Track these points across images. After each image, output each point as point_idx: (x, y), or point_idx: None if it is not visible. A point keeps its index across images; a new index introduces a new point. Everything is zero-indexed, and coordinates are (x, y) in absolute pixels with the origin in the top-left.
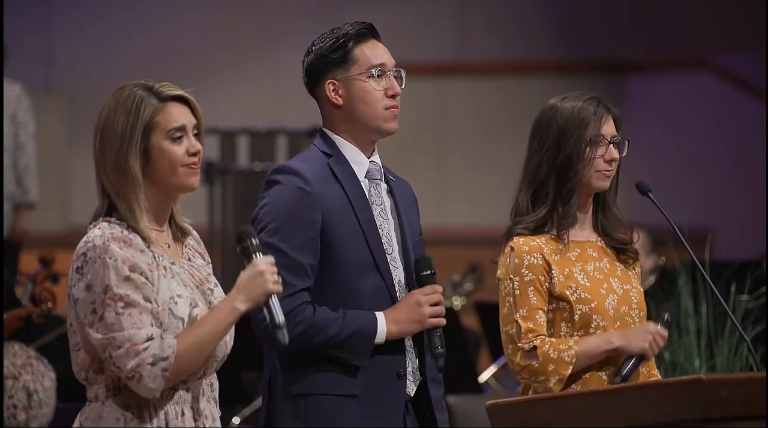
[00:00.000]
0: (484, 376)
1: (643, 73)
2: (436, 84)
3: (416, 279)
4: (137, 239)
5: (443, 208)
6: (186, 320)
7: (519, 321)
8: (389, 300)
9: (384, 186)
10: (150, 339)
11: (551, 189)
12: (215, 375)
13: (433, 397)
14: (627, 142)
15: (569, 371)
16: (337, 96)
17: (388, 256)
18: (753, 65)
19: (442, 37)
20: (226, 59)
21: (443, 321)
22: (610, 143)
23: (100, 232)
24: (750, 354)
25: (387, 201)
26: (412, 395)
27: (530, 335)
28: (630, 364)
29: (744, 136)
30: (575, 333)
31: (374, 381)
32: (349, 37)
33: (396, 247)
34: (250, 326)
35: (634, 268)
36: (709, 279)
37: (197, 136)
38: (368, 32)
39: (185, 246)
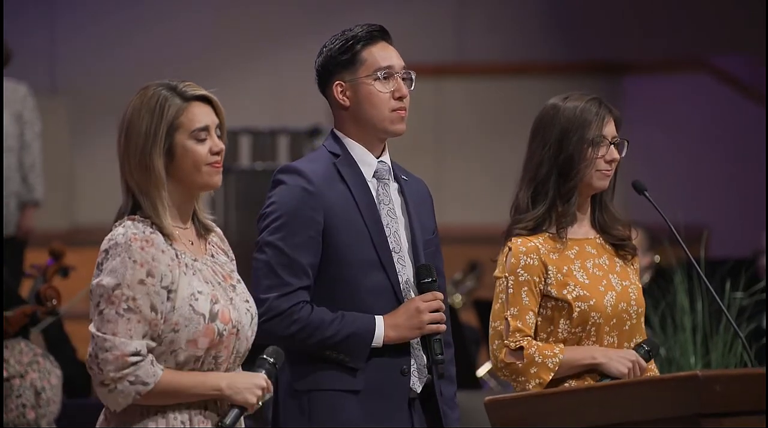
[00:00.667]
0: (481, 371)
1: (641, 74)
2: (436, 84)
3: (417, 286)
4: (159, 238)
5: (443, 208)
6: (207, 316)
7: (509, 318)
8: (393, 298)
9: (394, 185)
10: (137, 354)
11: (552, 187)
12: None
13: (444, 394)
14: (627, 143)
15: (550, 377)
16: (344, 97)
17: (395, 255)
18: (751, 66)
19: (442, 37)
20: (226, 59)
21: (443, 327)
22: (610, 144)
23: (123, 231)
24: (745, 351)
25: (397, 200)
26: (419, 392)
27: (518, 334)
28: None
29: (741, 136)
30: (573, 330)
31: (377, 378)
32: (357, 39)
33: (405, 246)
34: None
35: (632, 264)
36: (704, 277)
37: (219, 135)
38: (378, 34)
39: (208, 243)
